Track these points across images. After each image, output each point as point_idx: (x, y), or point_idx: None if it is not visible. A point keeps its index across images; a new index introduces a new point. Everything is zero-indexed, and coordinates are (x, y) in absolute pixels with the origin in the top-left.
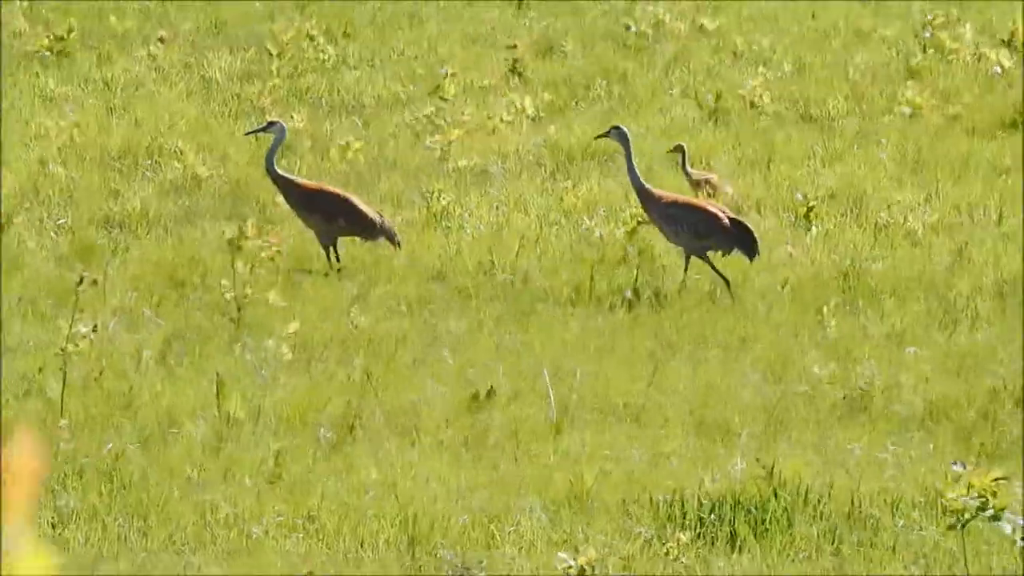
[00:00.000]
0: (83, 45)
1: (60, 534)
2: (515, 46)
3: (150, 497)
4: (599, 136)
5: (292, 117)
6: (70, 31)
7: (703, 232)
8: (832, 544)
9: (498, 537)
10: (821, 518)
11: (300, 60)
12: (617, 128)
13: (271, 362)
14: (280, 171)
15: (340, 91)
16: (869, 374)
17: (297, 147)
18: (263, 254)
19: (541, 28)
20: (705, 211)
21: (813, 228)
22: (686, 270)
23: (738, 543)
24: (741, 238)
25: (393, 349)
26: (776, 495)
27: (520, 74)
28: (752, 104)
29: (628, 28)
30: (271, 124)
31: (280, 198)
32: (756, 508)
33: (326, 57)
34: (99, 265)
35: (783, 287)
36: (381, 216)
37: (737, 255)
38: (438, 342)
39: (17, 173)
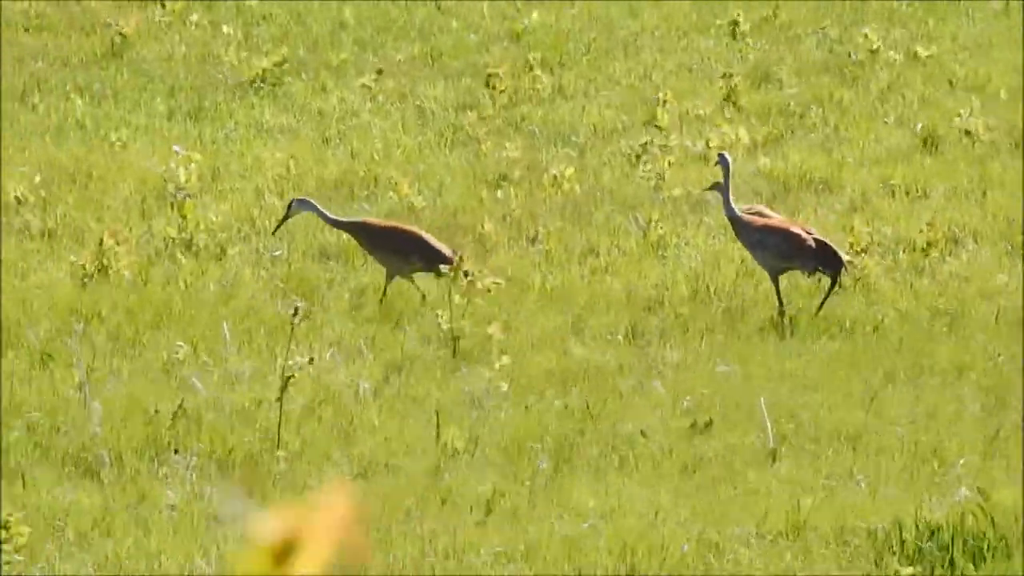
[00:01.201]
0: (298, 76)
1: None
2: (731, 75)
3: (369, 528)
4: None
5: (506, 146)
6: (284, 62)
7: (786, 253)
8: None
9: (716, 567)
10: None
11: (515, 90)
12: (721, 155)
13: (488, 393)
14: (339, 218)
15: (555, 121)
16: None
17: (511, 176)
18: (479, 285)
19: (756, 57)
20: (788, 232)
21: None
22: (778, 293)
23: (957, 573)
24: (824, 258)
25: (610, 379)
26: (994, 524)
27: (735, 103)
28: (967, 132)
29: (849, 55)
30: (291, 206)
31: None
32: (974, 538)
33: (541, 87)
34: (315, 296)
35: (997, 317)
36: (454, 251)
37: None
38: (654, 371)
39: (233, 204)
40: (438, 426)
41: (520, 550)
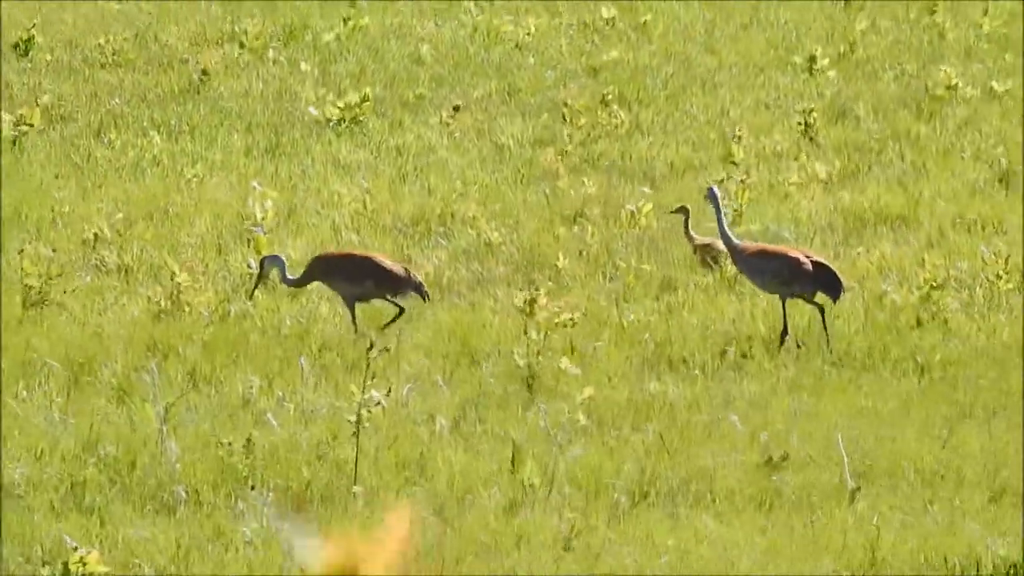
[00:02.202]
0: (375, 112)
1: None
2: (808, 111)
3: (445, 564)
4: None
5: (583, 183)
6: (363, 99)
7: (787, 277)
8: None
9: None
10: None
11: (593, 126)
12: (710, 188)
13: (565, 428)
14: (295, 276)
15: (632, 157)
16: None
17: (588, 212)
18: (555, 320)
19: (833, 93)
20: (787, 256)
21: None
22: (784, 320)
23: None
24: (824, 280)
25: (686, 414)
26: None
27: (812, 139)
28: None
29: (926, 91)
30: (263, 264)
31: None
32: None
33: (619, 123)
34: (392, 332)
35: None
36: (407, 270)
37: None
38: (731, 407)
39: (309, 239)
40: (514, 461)
41: None
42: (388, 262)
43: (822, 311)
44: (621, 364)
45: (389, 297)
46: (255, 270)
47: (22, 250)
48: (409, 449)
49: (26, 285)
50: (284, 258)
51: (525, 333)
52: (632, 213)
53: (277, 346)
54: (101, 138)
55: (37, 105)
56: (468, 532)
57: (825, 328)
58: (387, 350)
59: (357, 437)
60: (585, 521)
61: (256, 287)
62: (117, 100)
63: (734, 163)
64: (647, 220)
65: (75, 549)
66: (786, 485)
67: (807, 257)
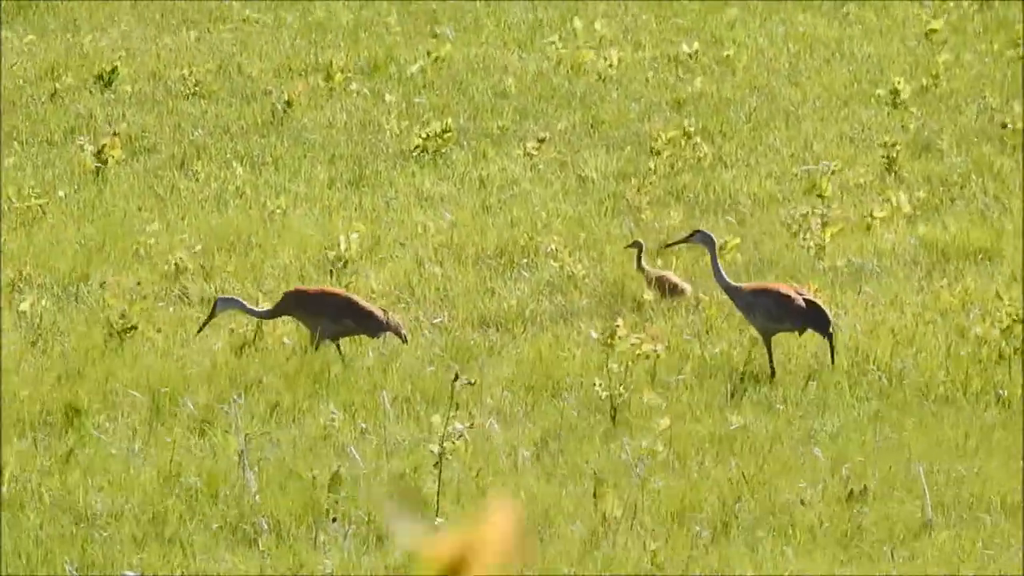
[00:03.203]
0: (459, 144)
1: None
2: (891, 144)
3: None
4: (675, 243)
5: (669, 214)
6: (446, 131)
7: (776, 314)
8: None
9: None
10: None
11: (677, 159)
12: (700, 232)
13: (647, 460)
14: (262, 309)
15: (716, 189)
16: None
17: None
18: (637, 352)
19: (917, 127)
20: (777, 293)
21: None
22: (770, 354)
23: None
24: (814, 317)
25: (768, 446)
26: None
27: (895, 172)
28: None
29: (1004, 126)
30: (216, 305)
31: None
32: None
33: (702, 155)
34: (474, 364)
35: None
36: (385, 312)
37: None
38: (813, 440)
39: (392, 271)
40: (596, 493)
41: None
42: (364, 302)
43: (831, 338)
44: (703, 396)
45: (361, 333)
46: (210, 311)
47: (103, 283)
48: (491, 481)
49: (108, 317)
50: (240, 299)
51: (607, 365)
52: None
53: (359, 378)
54: (184, 170)
55: (117, 136)
56: (550, 563)
57: (832, 352)
58: (471, 383)
59: (439, 469)
60: (666, 553)
61: (205, 325)
62: (200, 131)
63: (819, 196)
64: (731, 254)
65: None
66: (867, 518)
67: (798, 294)
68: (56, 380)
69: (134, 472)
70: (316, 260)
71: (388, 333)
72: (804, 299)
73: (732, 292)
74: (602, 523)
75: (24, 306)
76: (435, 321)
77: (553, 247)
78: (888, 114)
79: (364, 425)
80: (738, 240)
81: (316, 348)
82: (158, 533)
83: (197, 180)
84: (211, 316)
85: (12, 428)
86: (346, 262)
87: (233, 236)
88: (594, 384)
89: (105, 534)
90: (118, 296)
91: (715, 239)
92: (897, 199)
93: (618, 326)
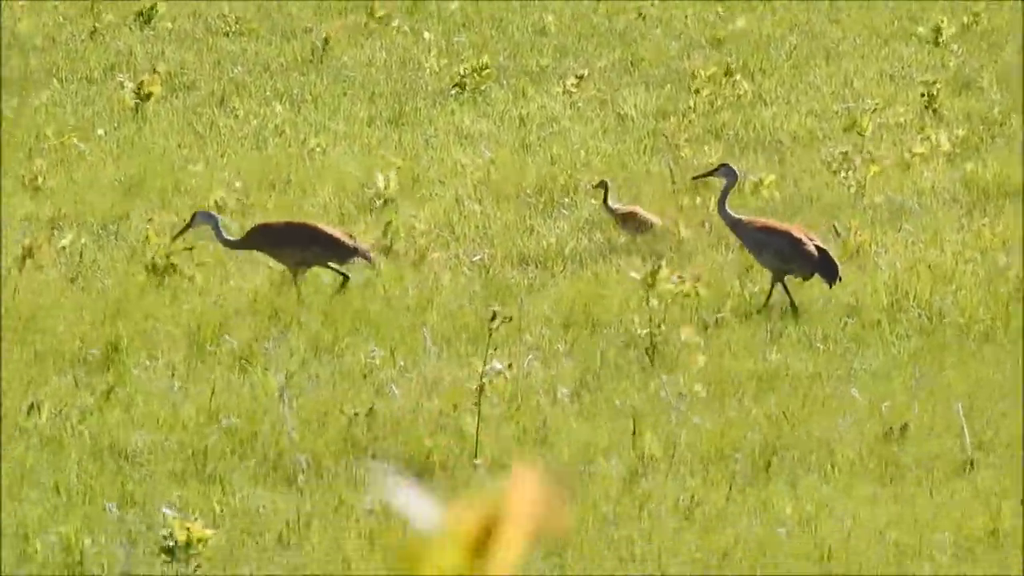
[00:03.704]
0: (498, 82)
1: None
2: (932, 82)
3: (566, 534)
4: (701, 176)
5: (708, 152)
6: (484, 68)
7: (788, 256)
8: None
9: (913, 574)
10: None
11: (716, 97)
12: (725, 165)
13: (686, 399)
14: (234, 238)
15: (756, 127)
16: None
17: (712, 183)
18: (676, 291)
19: (957, 64)
20: (790, 236)
21: None
22: (769, 295)
23: None
24: (823, 264)
25: (808, 385)
26: None
27: (935, 110)
28: None
29: None
30: (194, 217)
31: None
32: None
33: (742, 93)
34: (514, 302)
35: None
36: (352, 237)
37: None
38: (852, 378)
39: (433, 210)
40: (635, 431)
41: (717, 556)
42: (330, 229)
43: (794, 307)
44: (743, 335)
45: (333, 265)
46: (188, 221)
47: (151, 219)
48: (530, 419)
49: (148, 253)
50: (219, 217)
51: (646, 303)
52: (756, 184)
53: (399, 316)
54: (224, 107)
55: (157, 73)
56: (589, 502)
57: (790, 298)
58: (508, 319)
59: (479, 407)
60: (706, 491)
61: (180, 235)
62: (239, 69)
63: (859, 134)
64: (770, 191)
65: (178, 518)
66: (906, 456)
67: (810, 239)
68: (96, 317)
69: (173, 410)
70: (355, 198)
71: (357, 258)
72: (816, 245)
73: (738, 227)
74: (641, 461)
75: (64, 243)
76: (474, 259)
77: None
78: (928, 52)
79: (404, 363)
80: (773, 177)
81: (296, 283)
82: (197, 470)
83: (236, 118)
84: (187, 226)
85: (51, 365)
86: (385, 200)
87: (272, 174)
88: (633, 322)
89: (144, 471)
90: (160, 234)
91: (738, 174)
92: (937, 137)
93: (660, 266)
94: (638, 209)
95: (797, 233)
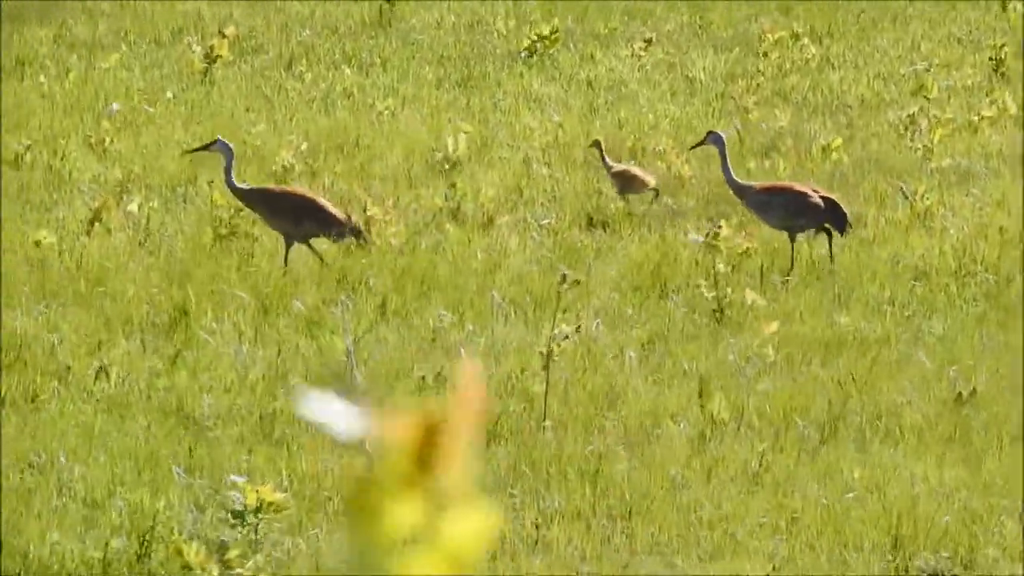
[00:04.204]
0: (566, 45)
1: (543, 535)
2: (999, 45)
3: (633, 498)
4: (695, 146)
5: (776, 115)
6: (554, 31)
7: (794, 211)
8: None
9: (981, 539)
10: None
11: (784, 60)
12: (713, 133)
13: (754, 362)
14: (239, 184)
15: (824, 91)
16: None
17: (780, 146)
18: (742, 253)
19: None
20: (793, 191)
21: None
22: (793, 251)
23: None
24: (831, 214)
25: (875, 349)
26: None
27: (1003, 74)
28: None
29: None
30: (214, 142)
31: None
32: None
33: (810, 56)
34: (582, 265)
35: None
36: (347, 214)
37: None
38: (920, 342)
39: (501, 174)
40: (702, 395)
41: (785, 520)
42: (328, 204)
43: (829, 235)
44: (810, 299)
45: (323, 236)
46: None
47: (211, 181)
48: (598, 383)
49: (216, 216)
50: (233, 157)
51: (713, 267)
52: (824, 147)
53: (468, 279)
54: (292, 70)
55: (225, 37)
56: (657, 466)
57: (831, 252)
58: (577, 283)
59: (547, 371)
60: (773, 455)
61: (195, 151)
62: (307, 32)
63: (926, 98)
64: (838, 155)
65: (247, 482)
66: (974, 420)
67: (814, 191)
68: (163, 280)
69: (241, 373)
70: (423, 161)
71: (349, 235)
72: (821, 196)
73: (742, 191)
74: (709, 425)
75: (132, 207)
76: (543, 222)
77: (661, 148)
78: (996, 16)
79: (472, 326)
80: (843, 142)
81: (285, 254)
82: (266, 435)
83: (304, 81)
84: (205, 147)
85: (119, 328)
86: (454, 163)
87: (340, 137)
88: (699, 285)
89: (212, 435)
90: (227, 197)
91: (724, 139)
92: (1004, 100)
93: (719, 228)
94: (632, 166)
95: (800, 187)
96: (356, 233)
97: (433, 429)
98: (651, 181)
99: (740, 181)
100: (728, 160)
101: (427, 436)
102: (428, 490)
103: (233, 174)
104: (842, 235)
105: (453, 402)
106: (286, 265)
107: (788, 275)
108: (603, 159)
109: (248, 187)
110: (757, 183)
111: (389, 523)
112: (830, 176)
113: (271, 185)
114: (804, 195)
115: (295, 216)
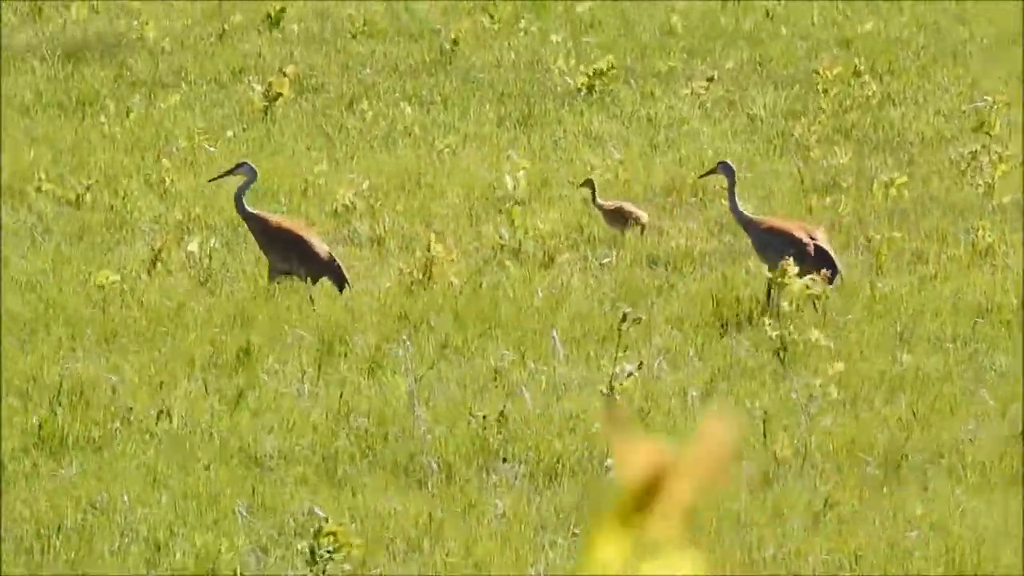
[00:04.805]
0: (626, 83)
1: None
2: None
3: (698, 536)
4: (703, 175)
5: (836, 152)
6: (613, 69)
7: (789, 256)
8: None
9: None
10: None
11: (845, 97)
12: (723, 163)
13: (816, 400)
14: (250, 209)
15: (884, 128)
16: None
17: (840, 183)
18: (806, 292)
19: None
20: (792, 237)
21: None
22: (769, 295)
23: None
24: (823, 264)
25: (938, 387)
26: None
27: None
28: None
29: None
30: (239, 166)
31: None
32: None
33: (871, 93)
34: (643, 303)
35: None
36: (332, 256)
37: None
38: (982, 379)
39: (561, 211)
40: (766, 433)
41: (848, 557)
42: (316, 242)
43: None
44: (873, 336)
45: (303, 276)
46: (229, 168)
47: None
48: (661, 421)
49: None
50: (253, 181)
51: (777, 305)
52: (885, 184)
53: (529, 318)
54: (352, 109)
55: (286, 75)
56: (720, 503)
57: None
58: (638, 321)
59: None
60: (837, 493)
61: (219, 177)
62: (368, 71)
63: (988, 134)
64: (899, 192)
65: (326, 520)
66: None
67: (811, 239)
68: (225, 321)
69: (304, 413)
70: (484, 199)
71: (327, 276)
72: (815, 246)
73: (748, 226)
74: (773, 462)
75: (192, 247)
76: (604, 261)
77: (722, 186)
78: None
79: (533, 365)
80: (904, 179)
81: (270, 282)
82: (328, 474)
83: (365, 119)
84: (229, 172)
85: (181, 369)
86: (515, 201)
87: (402, 175)
88: (763, 323)
89: (275, 476)
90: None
91: (735, 169)
92: None
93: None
94: (624, 203)
95: (799, 234)
96: (337, 277)
97: (665, 471)
98: (643, 217)
99: (746, 214)
100: (736, 191)
101: (657, 477)
102: (641, 528)
103: (246, 195)
104: (830, 285)
105: (693, 451)
106: (269, 284)
107: (766, 311)
108: (593, 198)
109: (253, 212)
110: (761, 219)
111: (600, 556)
112: (889, 213)
113: (270, 215)
114: (801, 242)
115: (284, 252)
